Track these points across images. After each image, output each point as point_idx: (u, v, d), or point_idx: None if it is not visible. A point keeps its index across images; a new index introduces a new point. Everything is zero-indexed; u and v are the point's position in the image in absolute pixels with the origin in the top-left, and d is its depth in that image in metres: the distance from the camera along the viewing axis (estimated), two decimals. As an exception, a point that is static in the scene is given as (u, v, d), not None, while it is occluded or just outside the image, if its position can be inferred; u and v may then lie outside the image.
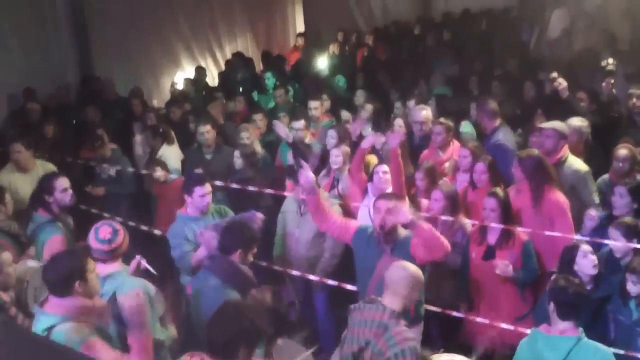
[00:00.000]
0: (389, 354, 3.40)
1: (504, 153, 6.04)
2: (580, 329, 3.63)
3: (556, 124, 5.72)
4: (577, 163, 5.58)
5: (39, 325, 3.39)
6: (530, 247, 4.91)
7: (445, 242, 4.28)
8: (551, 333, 3.66)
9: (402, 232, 4.51)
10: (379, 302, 3.60)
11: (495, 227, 4.92)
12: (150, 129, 7.61)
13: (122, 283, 3.89)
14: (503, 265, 4.74)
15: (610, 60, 8.90)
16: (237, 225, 4.44)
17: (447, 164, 6.00)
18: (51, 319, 3.37)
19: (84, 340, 3.34)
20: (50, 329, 3.35)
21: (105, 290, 3.86)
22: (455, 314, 4.99)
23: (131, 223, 6.06)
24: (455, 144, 6.33)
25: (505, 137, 6.33)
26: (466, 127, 7.09)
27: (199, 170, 6.03)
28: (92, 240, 3.98)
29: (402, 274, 3.64)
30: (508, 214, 4.95)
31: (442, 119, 6.44)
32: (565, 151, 5.63)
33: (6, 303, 3.86)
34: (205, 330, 3.20)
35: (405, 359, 3.39)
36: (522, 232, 4.97)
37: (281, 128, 6.39)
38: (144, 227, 6.39)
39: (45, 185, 5.13)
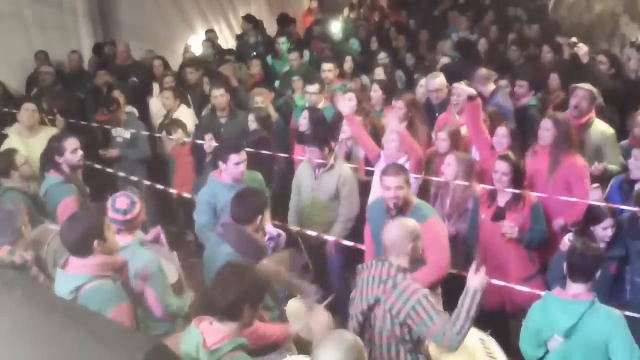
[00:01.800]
0: (406, 309, 3.42)
1: (505, 115, 6.13)
2: (594, 292, 3.63)
3: (590, 86, 5.71)
4: (603, 125, 5.62)
5: (64, 287, 3.40)
6: (539, 208, 4.90)
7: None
8: (564, 297, 3.65)
9: (414, 201, 4.54)
10: (385, 259, 3.62)
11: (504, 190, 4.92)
12: (169, 89, 7.57)
13: (134, 255, 3.91)
14: (509, 226, 4.76)
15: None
16: (249, 195, 4.40)
17: (463, 128, 5.94)
18: (76, 279, 3.38)
19: (116, 302, 3.39)
20: (78, 289, 3.36)
21: None
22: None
23: (158, 186, 6.04)
24: None
25: (504, 99, 6.43)
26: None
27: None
28: (109, 210, 4.01)
29: (400, 232, 3.63)
30: (519, 178, 4.93)
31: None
32: (593, 113, 5.66)
33: (28, 262, 3.88)
34: (208, 293, 3.20)
35: (423, 308, 3.42)
36: (531, 194, 4.96)
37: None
38: (172, 190, 6.43)
39: (55, 146, 5.16)
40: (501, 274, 4.85)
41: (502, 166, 4.89)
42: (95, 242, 3.44)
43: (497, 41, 9.82)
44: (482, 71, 6.63)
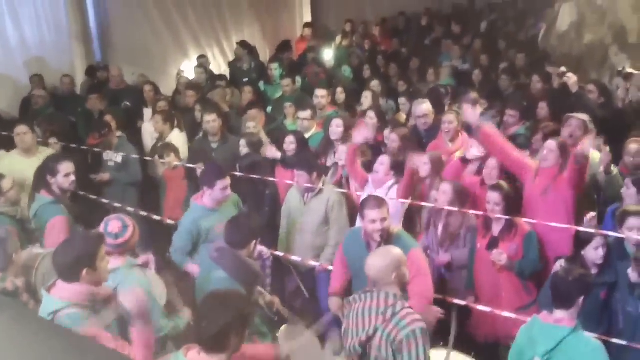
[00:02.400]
0: (401, 336, 3.41)
1: None
2: (578, 320, 3.62)
3: (584, 115, 5.77)
4: (595, 153, 5.61)
5: (45, 308, 3.38)
6: (532, 238, 4.90)
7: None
8: (547, 321, 3.67)
9: (395, 230, 4.54)
10: (378, 290, 3.60)
11: (500, 218, 4.93)
12: (161, 114, 7.59)
13: (124, 279, 3.88)
14: (497, 253, 4.78)
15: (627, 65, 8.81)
16: (244, 219, 4.40)
17: (456, 154, 5.96)
18: (57, 303, 3.35)
19: (85, 328, 3.33)
20: (55, 312, 3.33)
21: (108, 284, 3.85)
22: (458, 301, 4.97)
23: (142, 213, 6.04)
24: (464, 135, 6.29)
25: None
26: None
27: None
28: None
29: (386, 262, 3.62)
30: (512, 206, 4.94)
31: (454, 108, 6.45)
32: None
33: (19, 289, 3.86)
34: (194, 326, 3.17)
35: (417, 339, 3.41)
36: (525, 223, 4.96)
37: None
38: (155, 217, 6.41)
39: (49, 166, 5.15)
40: (494, 303, 4.85)
41: (494, 196, 4.91)
42: (85, 271, 3.39)
43: (489, 70, 9.91)
44: (472, 94, 6.82)
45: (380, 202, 4.49)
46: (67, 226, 4.86)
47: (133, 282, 3.88)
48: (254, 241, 4.27)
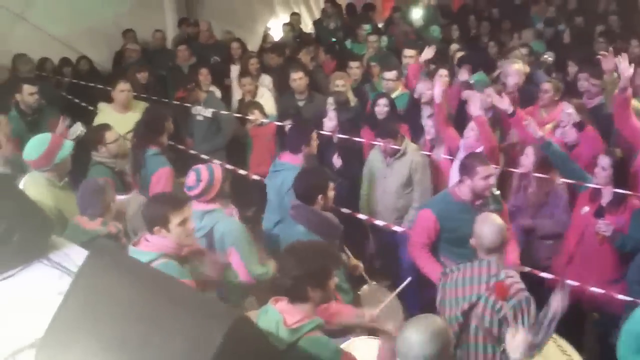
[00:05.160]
0: (507, 306, 3.41)
1: None
2: None
3: None
4: None
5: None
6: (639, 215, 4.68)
7: None
8: None
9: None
10: (479, 259, 3.61)
11: (610, 188, 4.72)
12: (248, 73, 7.63)
13: (221, 219, 4.09)
14: (604, 224, 4.59)
15: None
16: (306, 175, 4.48)
17: (548, 126, 5.78)
18: (147, 255, 3.47)
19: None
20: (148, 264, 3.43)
21: (203, 224, 4.06)
22: (545, 274, 4.89)
23: (228, 166, 6.16)
24: (561, 105, 5.98)
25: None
26: (479, 75, 7.03)
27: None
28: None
29: (493, 229, 3.61)
30: (621, 177, 4.72)
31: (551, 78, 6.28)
32: None
33: (120, 232, 4.06)
34: (278, 275, 3.23)
35: (522, 310, 3.41)
36: (636, 199, 4.73)
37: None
38: (241, 171, 6.50)
39: (161, 118, 5.33)
40: (587, 272, 4.73)
41: (603, 160, 4.72)
42: (156, 228, 3.54)
43: (583, 32, 9.49)
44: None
45: (487, 159, 4.54)
46: (172, 177, 5.01)
47: (229, 222, 4.09)
48: (321, 195, 4.32)
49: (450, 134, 5.79)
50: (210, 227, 4.06)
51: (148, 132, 5.24)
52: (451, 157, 5.70)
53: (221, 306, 2.19)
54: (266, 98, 7.43)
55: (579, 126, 5.33)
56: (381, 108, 6.26)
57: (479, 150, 5.29)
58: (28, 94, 6.30)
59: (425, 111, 6.16)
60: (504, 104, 5.37)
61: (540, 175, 5.08)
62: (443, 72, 6.70)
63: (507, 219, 4.70)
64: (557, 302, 3.34)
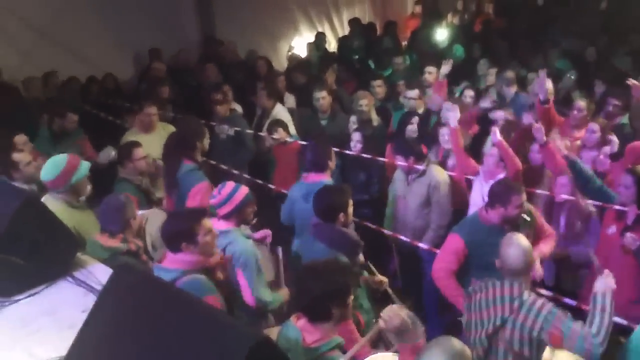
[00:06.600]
0: (540, 322, 3.41)
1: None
2: None
3: None
4: None
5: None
6: None
7: None
8: None
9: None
10: (501, 279, 3.61)
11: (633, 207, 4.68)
12: (265, 89, 7.56)
13: (234, 240, 4.07)
14: (630, 237, 4.52)
15: None
16: (326, 193, 4.47)
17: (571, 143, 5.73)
18: (172, 273, 3.51)
19: (205, 293, 3.48)
20: (173, 282, 3.45)
21: (218, 242, 4.03)
22: (568, 300, 4.83)
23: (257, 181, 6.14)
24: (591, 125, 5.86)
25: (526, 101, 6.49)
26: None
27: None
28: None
29: (518, 252, 3.61)
30: None
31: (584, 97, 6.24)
32: None
33: (140, 249, 4.10)
34: (295, 294, 3.25)
35: (558, 317, 3.40)
36: None
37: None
38: (270, 186, 6.55)
39: (198, 132, 5.32)
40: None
41: (626, 179, 4.69)
42: (183, 244, 3.56)
43: (605, 51, 9.44)
44: (509, 73, 7.28)
45: (521, 186, 4.56)
46: (210, 192, 4.93)
47: (241, 245, 4.07)
48: (342, 213, 4.32)
49: (464, 160, 5.75)
50: (223, 246, 4.06)
51: (182, 146, 5.22)
52: (468, 177, 5.70)
53: (242, 328, 2.21)
54: (282, 115, 7.37)
55: (615, 157, 5.34)
56: (413, 127, 6.31)
57: (499, 177, 5.25)
58: (71, 122, 6.47)
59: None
60: (540, 134, 5.29)
61: (577, 202, 5.08)
62: (469, 92, 6.73)
63: (544, 228, 4.77)
64: (599, 283, 3.45)
